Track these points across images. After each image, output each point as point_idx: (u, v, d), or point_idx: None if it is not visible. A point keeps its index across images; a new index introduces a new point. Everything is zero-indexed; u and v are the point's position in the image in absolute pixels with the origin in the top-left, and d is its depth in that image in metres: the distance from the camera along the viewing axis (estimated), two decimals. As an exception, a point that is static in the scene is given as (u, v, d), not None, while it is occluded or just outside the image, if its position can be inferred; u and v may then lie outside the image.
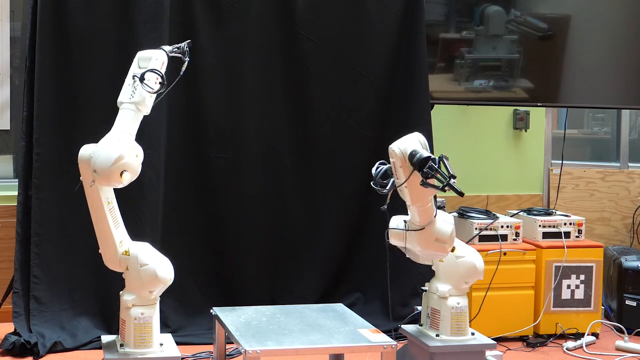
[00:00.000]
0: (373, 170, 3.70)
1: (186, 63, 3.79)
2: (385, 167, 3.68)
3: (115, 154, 3.44)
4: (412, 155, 3.54)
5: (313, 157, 5.01)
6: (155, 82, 3.60)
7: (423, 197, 3.59)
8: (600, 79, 5.29)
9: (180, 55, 3.79)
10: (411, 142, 3.60)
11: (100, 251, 3.62)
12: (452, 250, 3.80)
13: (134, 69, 3.66)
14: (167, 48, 3.76)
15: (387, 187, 3.62)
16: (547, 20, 5.23)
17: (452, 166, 3.54)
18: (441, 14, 5.28)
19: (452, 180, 3.48)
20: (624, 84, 5.33)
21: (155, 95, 3.64)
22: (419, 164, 3.49)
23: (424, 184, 3.49)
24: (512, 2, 5.22)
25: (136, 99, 3.59)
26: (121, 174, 3.45)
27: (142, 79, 3.57)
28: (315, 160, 5.01)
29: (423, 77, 4.98)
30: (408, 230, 3.76)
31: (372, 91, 5.03)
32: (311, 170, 5.00)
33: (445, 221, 3.74)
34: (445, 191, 3.51)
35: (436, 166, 3.48)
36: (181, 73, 3.79)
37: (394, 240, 3.85)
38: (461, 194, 3.50)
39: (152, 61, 3.65)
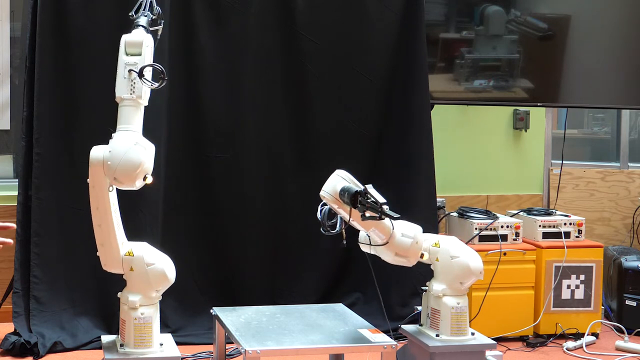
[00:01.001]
0: (318, 215, 3.65)
1: (161, 28, 3.69)
2: (327, 207, 3.65)
3: (138, 160, 3.41)
4: (342, 194, 3.54)
5: (313, 156, 5.01)
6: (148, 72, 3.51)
7: (372, 222, 3.60)
8: (600, 79, 5.29)
9: (158, 26, 3.66)
10: (337, 182, 3.60)
11: (98, 254, 3.57)
12: (421, 257, 3.79)
13: (123, 57, 3.54)
14: (143, 21, 3.59)
15: (337, 228, 3.62)
16: (547, 20, 5.23)
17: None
18: (441, 14, 5.28)
19: (384, 207, 3.46)
20: (624, 84, 5.33)
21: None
22: (351, 202, 3.50)
23: (364, 217, 3.50)
24: (512, 2, 5.22)
25: (137, 93, 3.52)
26: (144, 178, 3.44)
27: (140, 74, 3.47)
28: (315, 160, 5.00)
29: (423, 77, 4.98)
30: (371, 245, 3.76)
31: (372, 91, 5.03)
32: (311, 170, 5.00)
33: (404, 235, 3.73)
34: (382, 218, 3.50)
35: (366, 198, 3.48)
36: (157, 38, 3.69)
37: (365, 249, 3.86)
38: (398, 218, 3.50)
39: (144, 50, 3.53)
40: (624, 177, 5.88)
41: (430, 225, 4.84)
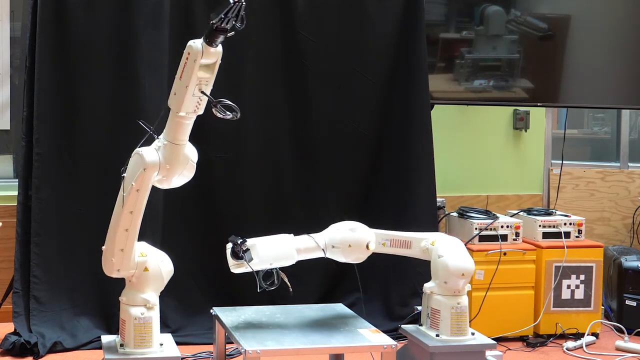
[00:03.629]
0: (260, 286, 3.79)
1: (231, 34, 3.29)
2: (260, 272, 3.79)
3: (192, 174, 3.49)
4: (235, 259, 3.73)
5: (313, 157, 5.01)
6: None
7: (283, 254, 3.75)
8: (600, 79, 5.29)
9: (231, 33, 3.25)
10: (228, 254, 3.74)
11: (113, 259, 3.48)
12: (367, 247, 3.84)
13: (197, 72, 3.26)
14: (227, 33, 3.17)
15: (276, 281, 3.77)
16: (547, 20, 5.23)
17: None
18: (441, 14, 5.28)
19: (243, 243, 3.70)
20: (624, 84, 5.33)
21: None
22: (239, 258, 3.70)
23: (248, 258, 3.69)
24: (512, 2, 5.22)
25: (200, 111, 3.42)
26: None
27: (215, 104, 3.35)
28: (315, 160, 5.01)
29: (423, 77, 4.98)
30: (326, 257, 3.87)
31: (372, 91, 5.03)
32: (311, 170, 5.00)
33: (335, 247, 3.82)
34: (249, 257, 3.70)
35: (235, 245, 3.69)
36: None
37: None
38: (244, 246, 3.69)
39: (217, 68, 3.31)
40: (624, 177, 5.88)
41: (430, 225, 4.84)
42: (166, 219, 4.81)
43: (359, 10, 4.97)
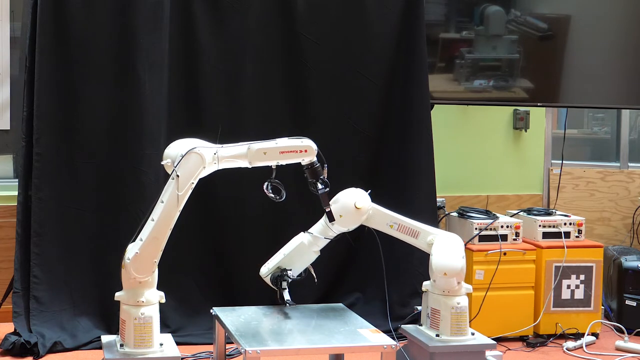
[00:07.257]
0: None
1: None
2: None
3: None
4: (274, 283, 4.02)
5: (313, 157, 5.01)
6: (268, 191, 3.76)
7: (307, 257, 4.05)
8: (600, 79, 5.29)
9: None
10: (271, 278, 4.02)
11: (156, 260, 3.54)
12: (355, 207, 3.95)
13: (280, 162, 3.78)
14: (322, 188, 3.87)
15: (303, 274, 4.08)
16: (547, 20, 5.24)
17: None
18: (441, 14, 5.28)
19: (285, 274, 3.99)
20: (624, 84, 5.33)
21: None
22: (279, 284, 4.00)
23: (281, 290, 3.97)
24: (512, 2, 5.23)
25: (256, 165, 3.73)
26: None
27: (270, 181, 3.76)
28: (316, 160, 5.00)
29: (423, 77, 4.98)
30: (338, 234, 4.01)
31: (372, 91, 5.02)
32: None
33: (334, 225, 3.99)
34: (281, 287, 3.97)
35: (281, 278, 3.99)
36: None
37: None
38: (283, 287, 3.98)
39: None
40: (624, 177, 5.88)
41: (430, 225, 4.83)
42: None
43: (359, 10, 4.96)
